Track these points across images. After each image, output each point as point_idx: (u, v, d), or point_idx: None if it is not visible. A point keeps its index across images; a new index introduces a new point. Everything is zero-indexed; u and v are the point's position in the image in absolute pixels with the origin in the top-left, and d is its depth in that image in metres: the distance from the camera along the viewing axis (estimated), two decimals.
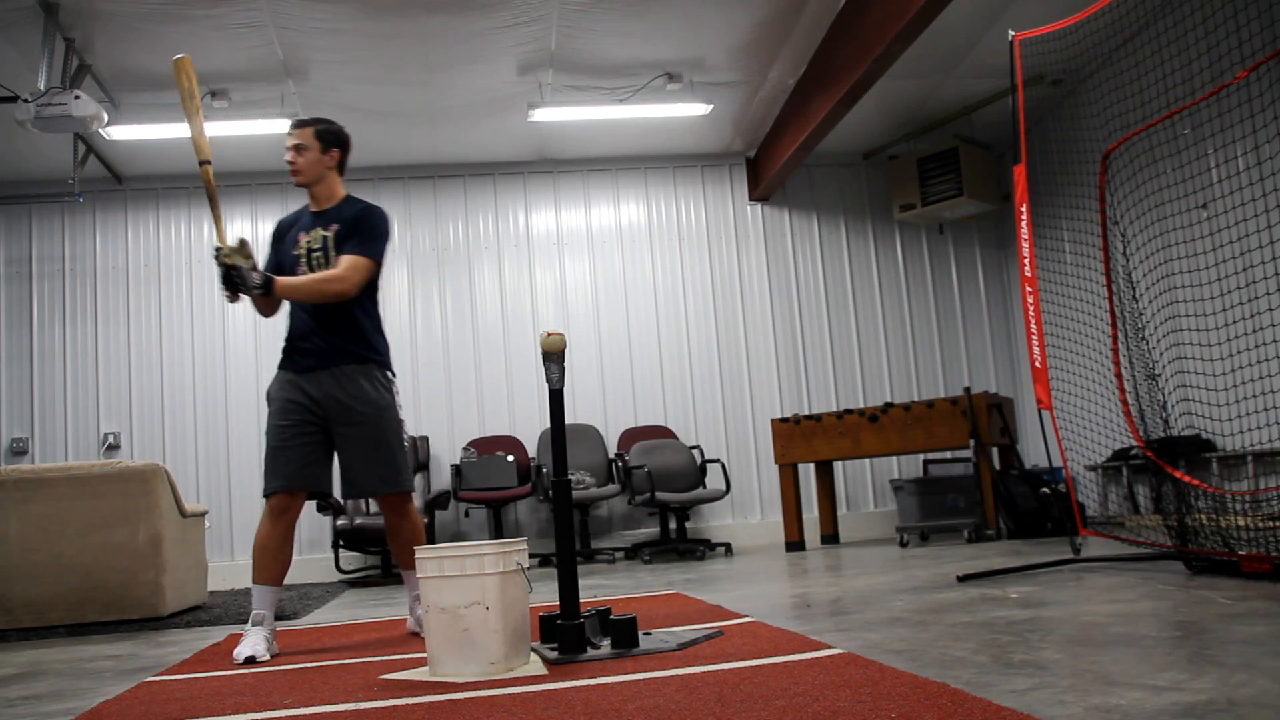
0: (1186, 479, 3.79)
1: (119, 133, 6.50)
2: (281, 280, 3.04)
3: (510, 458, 7.10)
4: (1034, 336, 4.18)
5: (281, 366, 3.24)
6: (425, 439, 7.37)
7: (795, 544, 6.60)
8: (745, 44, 6.27)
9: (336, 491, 3.33)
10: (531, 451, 7.39)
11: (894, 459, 7.84)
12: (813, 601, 3.51)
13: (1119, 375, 4.02)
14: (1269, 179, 4.93)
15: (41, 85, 5.26)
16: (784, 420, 6.82)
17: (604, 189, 8.07)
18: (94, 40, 5.58)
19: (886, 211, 8.18)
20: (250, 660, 2.87)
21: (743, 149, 8.12)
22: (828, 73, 6.28)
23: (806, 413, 7.31)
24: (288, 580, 3.21)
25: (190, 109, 3.08)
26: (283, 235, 3.31)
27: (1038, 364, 4.17)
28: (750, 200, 8.19)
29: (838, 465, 7.49)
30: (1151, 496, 5.39)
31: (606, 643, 2.53)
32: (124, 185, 7.57)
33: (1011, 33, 4.35)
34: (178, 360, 7.44)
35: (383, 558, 6.86)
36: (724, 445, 7.74)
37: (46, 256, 7.47)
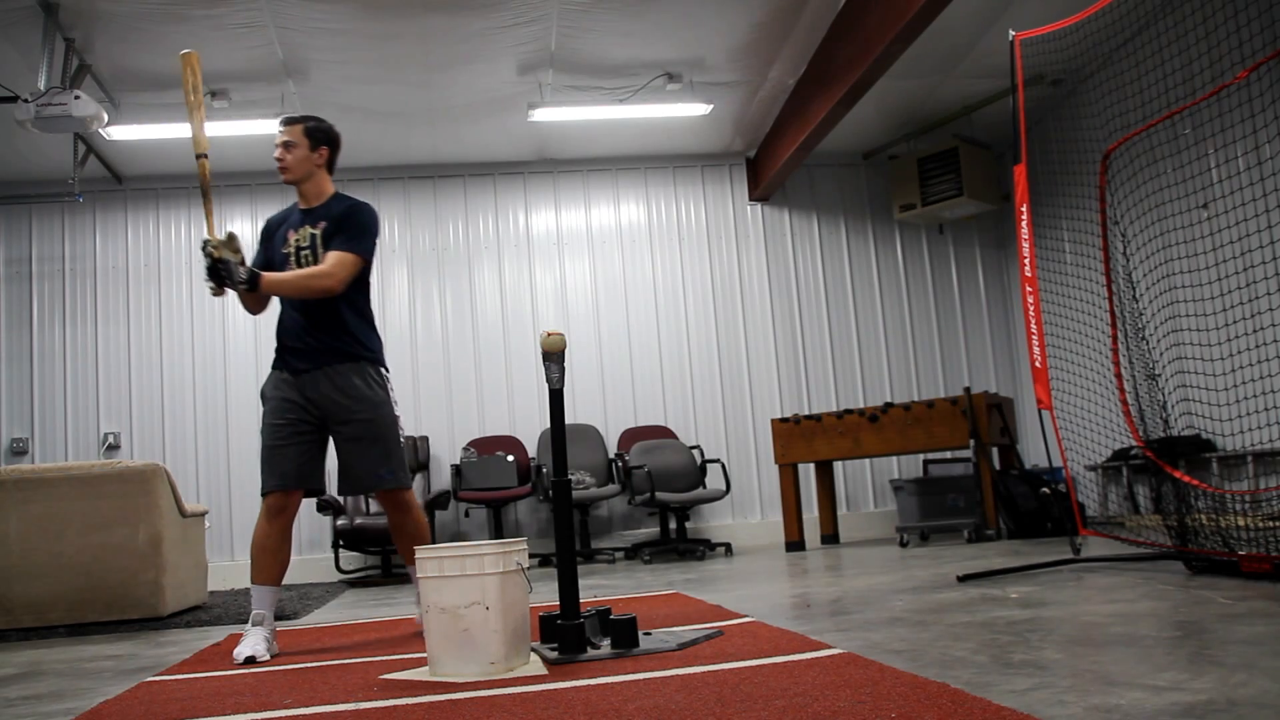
0: (1186, 479, 3.79)
1: (119, 133, 6.51)
2: (267, 276, 3.03)
3: (510, 458, 7.10)
4: (1034, 336, 4.18)
5: (275, 367, 3.24)
6: (425, 439, 7.37)
7: (795, 544, 6.60)
8: (745, 44, 6.27)
9: (331, 489, 3.32)
10: (531, 451, 7.39)
11: (894, 459, 7.84)
12: (813, 601, 3.51)
13: (1119, 375, 4.02)
14: (1269, 179, 4.93)
15: (41, 85, 5.26)
16: (784, 420, 6.82)
17: (604, 189, 8.07)
18: (94, 40, 5.59)
19: (886, 211, 8.18)
20: (250, 660, 2.87)
21: (743, 149, 8.12)
22: (828, 73, 6.28)
23: (806, 413, 7.31)
24: (288, 580, 3.22)
25: (193, 104, 3.09)
26: (272, 233, 3.31)
27: (1038, 364, 4.17)
28: (750, 200, 8.19)
29: (838, 465, 7.49)
30: (1151, 496, 5.38)
31: (606, 643, 2.53)
32: (124, 185, 7.57)
33: (1012, 33, 4.35)
34: (178, 360, 7.44)
35: (383, 558, 6.86)
36: (724, 445, 7.74)
37: (46, 256, 7.47)
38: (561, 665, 2.38)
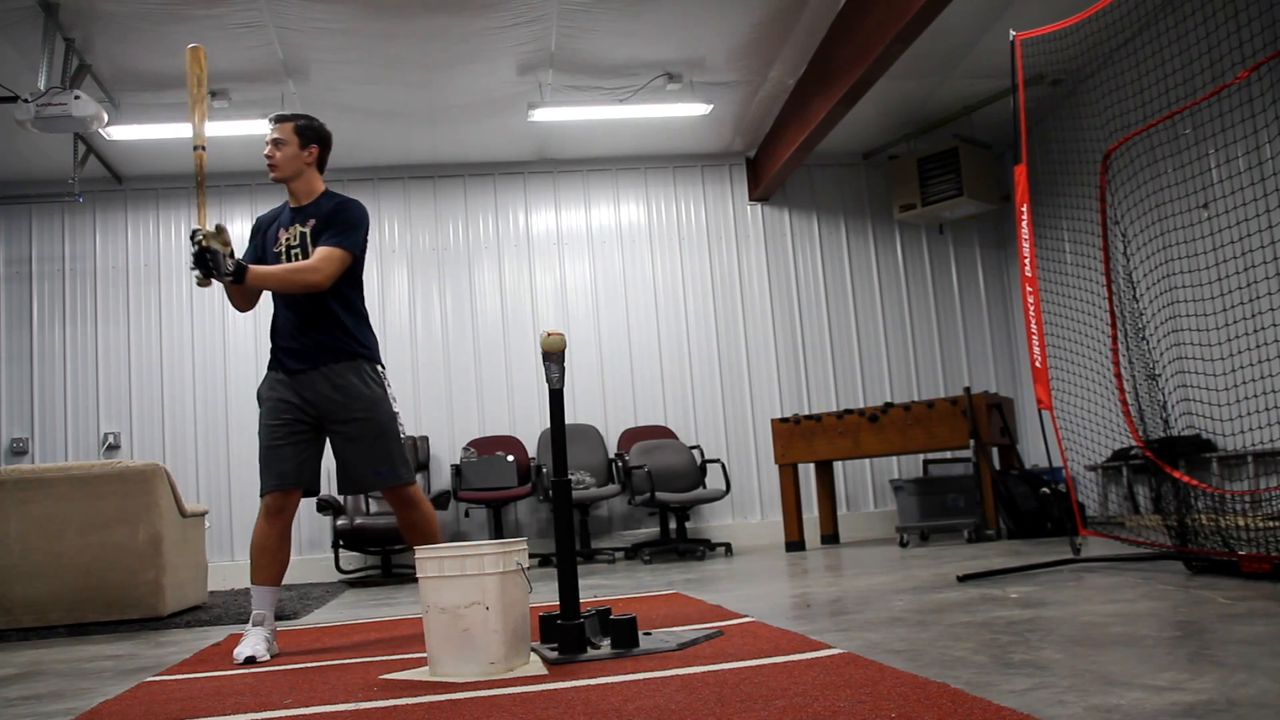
0: (1186, 479, 3.79)
1: (119, 133, 6.51)
2: (254, 268, 3.02)
3: (510, 458, 7.10)
4: (1034, 336, 4.18)
5: (270, 368, 3.23)
6: (425, 439, 7.38)
7: (795, 544, 6.60)
8: (745, 44, 6.27)
9: (329, 489, 3.32)
10: (531, 451, 7.39)
11: (894, 459, 7.84)
12: (813, 601, 3.51)
13: (1119, 375, 4.02)
14: (1269, 179, 4.93)
15: (41, 85, 5.26)
16: (784, 420, 6.82)
17: (604, 189, 8.07)
18: (94, 40, 5.59)
19: (886, 211, 8.18)
20: (250, 660, 2.87)
21: (743, 149, 8.12)
22: (828, 73, 6.28)
23: (806, 413, 7.31)
24: (288, 580, 3.21)
25: (196, 96, 3.09)
26: (263, 231, 3.30)
27: (1038, 364, 4.17)
28: (750, 200, 8.19)
29: (838, 465, 7.49)
30: (1151, 496, 5.38)
31: (606, 643, 2.53)
32: (124, 185, 7.57)
33: (1012, 33, 4.35)
34: (178, 360, 7.44)
35: (383, 558, 6.86)
36: (724, 445, 7.74)
37: (46, 256, 7.47)
38: (561, 665, 2.38)
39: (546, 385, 2.73)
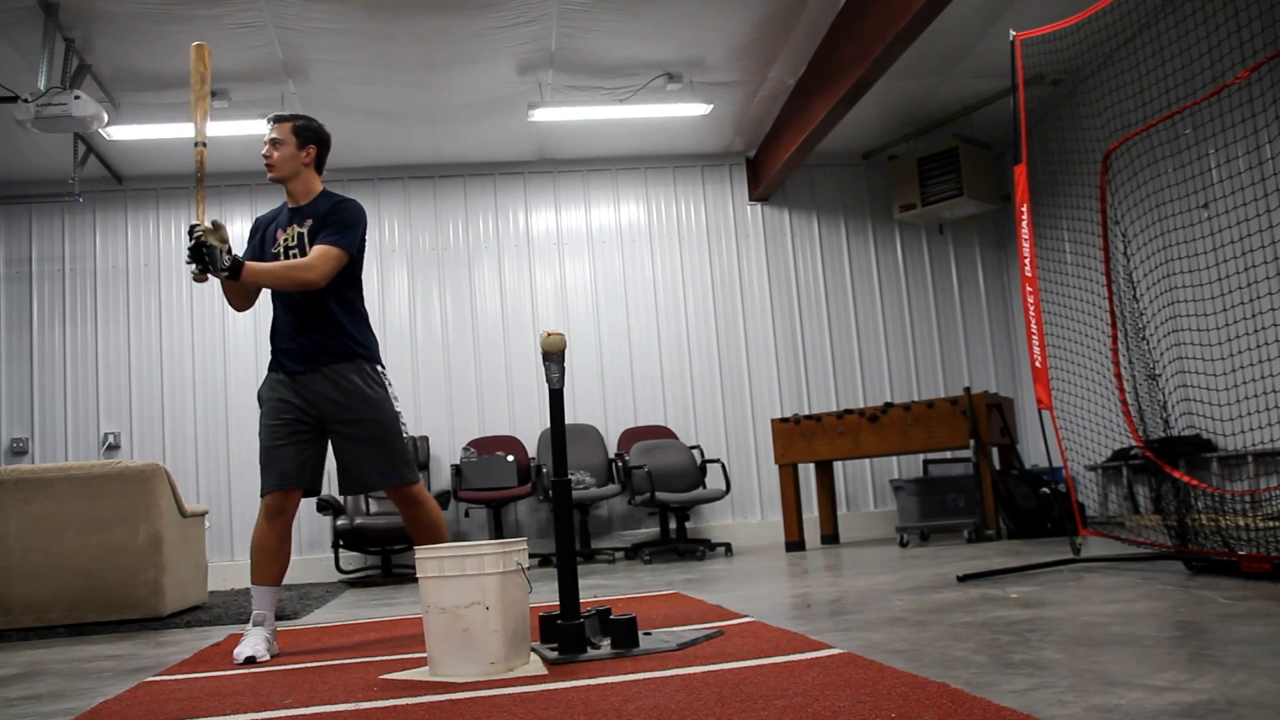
0: (1186, 479, 3.79)
1: (119, 133, 6.51)
2: (250, 265, 3.02)
3: (510, 458, 7.10)
4: (1034, 336, 4.18)
5: (271, 369, 3.23)
6: (425, 439, 7.38)
7: (795, 544, 6.60)
8: (745, 44, 6.27)
9: (330, 489, 3.32)
10: (531, 451, 7.39)
11: (894, 459, 7.84)
12: (813, 601, 3.51)
13: (1119, 375, 4.02)
14: (1270, 179, 4.93)
15: (41, 85, 5.26)
16: (784, 420, 6.82)
17: (604, 189, 8.07)
18: (94, 40, 5.59)
19: (886, 211, 8.18)
20: (250, 660, 2.87)
21: (743, 149, 8.12)
22: (828, 73, 6.28)
23: (806, 413, 7.31)
24: (287, 580, 3.21)
25: (199, 94, 3.09)
26: (261, 231, 3.30)
27: (1038, 364, 4.17)
28: (750, 200, 8.19)
29: (838, 465, 7.49)
30: (1151, 496, 5.38)
31: (606, 643, 2.53)
32: (124, 185, 7.57)
33: (1012, 33, 4.35)
34: (178, 360, 7.44)
35: (383, 558, 6.86)
36: (724, 445, 7.74)
37: (46, 256, 7.47)
38: (561, 665, 2.38)
39: (546, 385, 2.73)
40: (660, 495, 6.57)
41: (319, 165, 3.30)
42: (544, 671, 2.31)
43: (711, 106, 7.00)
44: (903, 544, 6.13)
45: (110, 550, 4.38)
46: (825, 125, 6.58)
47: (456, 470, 7.03)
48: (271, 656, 2.98)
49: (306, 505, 6.06)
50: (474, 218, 7.93)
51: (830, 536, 7.01)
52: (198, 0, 5.24)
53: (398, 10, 5.52)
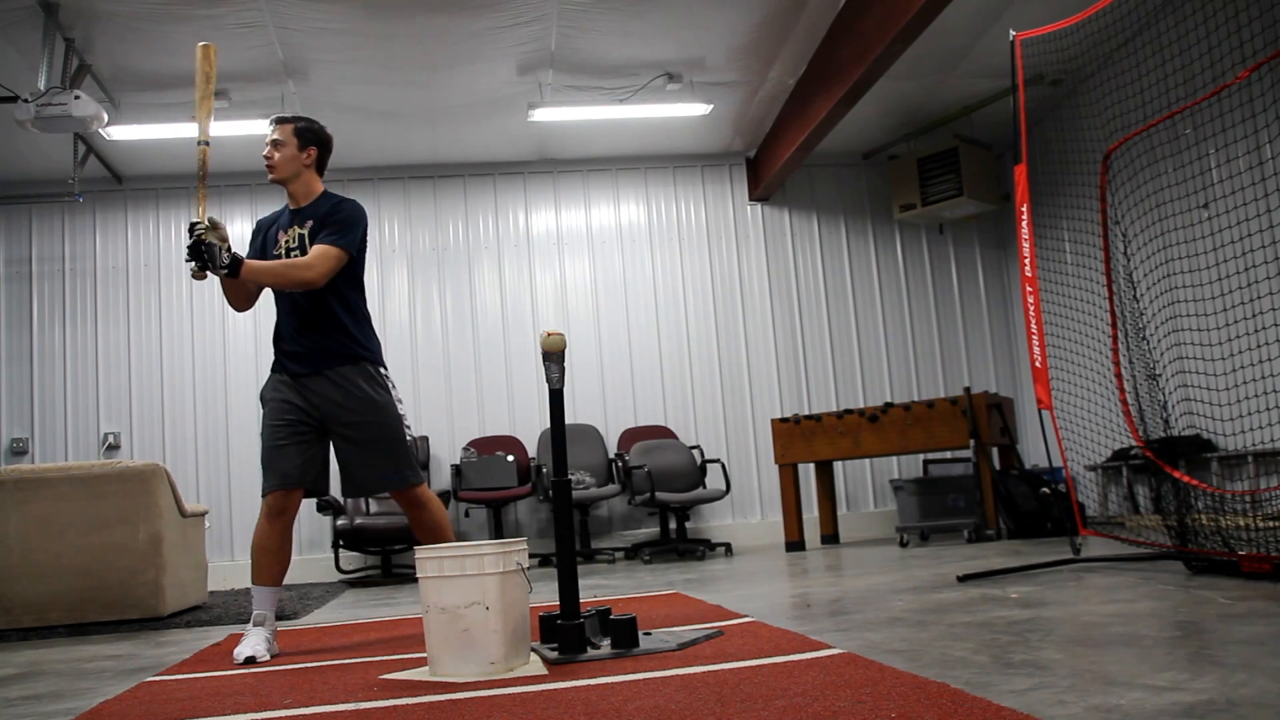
0: (1186, 479, 3.79)
1: (119, 133, 6.51)
2: (249, 263, 3.02)
3: (510, 458, 7.10)
4: (1034, 336, 4.18)
5: (274, 370, 3.24)
6: (425, 439, 7.37)
7: (795, 544, 6.60)
8: (745, 44, 6.27)
9: (332, 490, 3.32)
10: (531, 451, 7.39)
11: (894, 459, 7.84)
12: (813, 601, 3.51)
13: (1119, 375, 4.01)
14: (1270, 179, 4.93)
15: (41, 85, 5.26)
16: (784, 420, 6.82)
17: (604, 189, 8.07)
18: (94, 40, 5.59)
19: (886, 211, 8.18)
20: (250, 660, 2.87)
21: (743, 149, 8.12)
22: (828, 73, 6.28)
23: (806, 413, 7.31)
24: (287, 580, 3.21)
25: (204, 94, 3.10)
26: (263, 233, 3.31)
27: (1038, 364, 4.17)
28: (750, 200, 8.19)
29: (838, 465, 7.49)
30: (1151, 496, 5.38)
31: (606, 643, 2.53)
32: (124, 185, 7.57)
33: (1012, 33, 4.35)
34: (178, 360, 7.44)
35: (383, 558, 6.86)
36: (724, 445, 7.74)
37: (46, 256, 7.48)
38: (561, 665, 2.38)
39: (546, 385, 2.73)
40: (660, 495, 6.57)
41: (320, 167, 3.30)
42: (544, 671, 2.31)
43: (711, 106, 7.00)
44: (903, 544, 6.13)
45: (110, 550, 4.38)
46: (825, 125, 6.58)
47: (456, 470, 7.03)
48: (271, 656, 2.98)
49: (306, 505, 6.07)
50: (474, 218, 7.93)
51: (830, 536, 7.01)
52: (198, 0, 5.24)
53: (398, 10, 5.52)
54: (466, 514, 7.28)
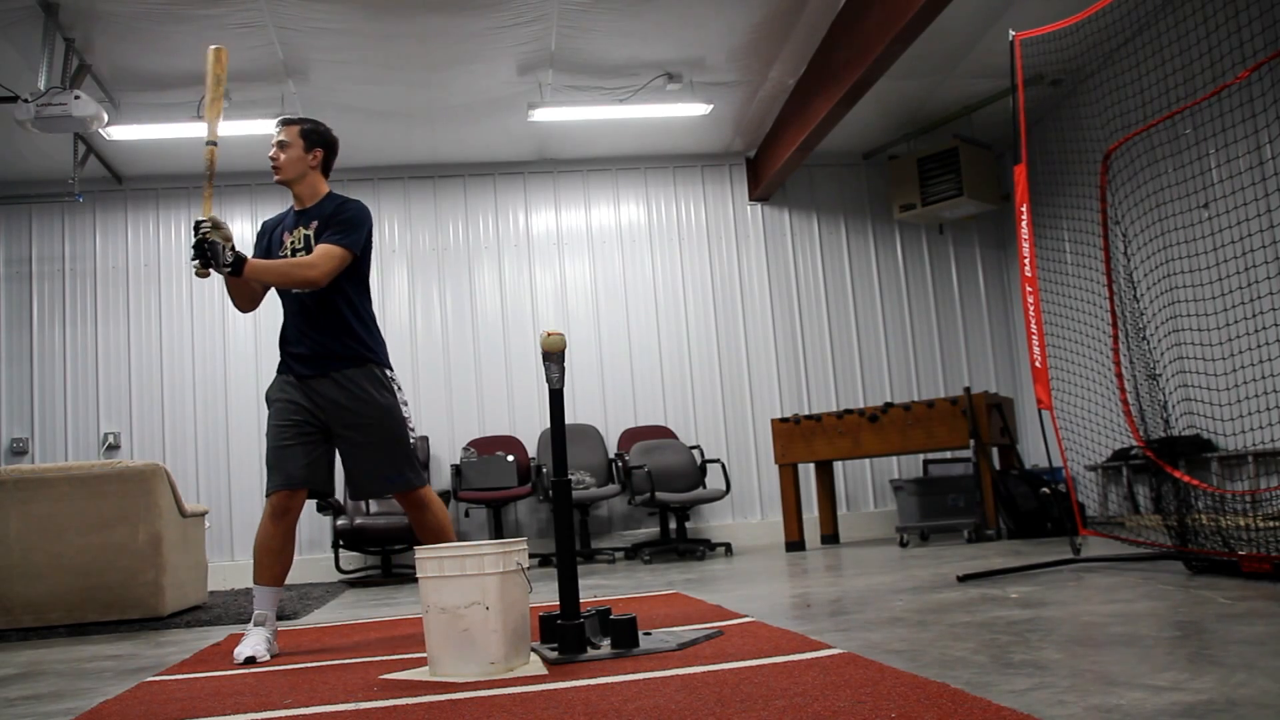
0: (1186, 479, 3.79)
1: (119, 133, 6.50)
2: (252, 261, 3.03)
3: (510, 458, 7.10)
4: (1034, 336, 4.18)
5: (280, 371, 3.24)
6: (425, 439, 7.37)
7: (795, 544, 6.60)
8: (745, 44, 6.27)
9: (339, 491, 3.33)
10: (531, 451, 7.39)
11: (894, 459, 7.84)
12: (813, 601, 3.51)
13: (1119, 375, 4.02)
14: (1270, 179, 4.93)
15: (41, 85, 5.26)
16: (784, 420, 6.82)
17: (604, 189, 8.07)
18: (94, 40, 5.58)
19: (886, 211, 8.18)
20: (250, 660, 2.87)
21: (743, 149, 8.12)
22: (828, 73, 6.28)
23: (806, 413, 7.31)
24: (288, 580, 3.21)
25: (214, 95, 3.13)
26: (268, 234, 3.31)
27: (1038, 364, 4.17)
28: (750, 200, 8.19)
29: (838, 465, 7.49)
30: (1151, 496, 5.38)
31: (606, 643, 2.53)
32: (124, 185, 7.57)
33: (1011, 33, 4.35)
34: (178, 360, 7.44)
35: (383, 558, 6.86)
36: (724, 445, 7.74)
37: (46, 256, 7.47)
38: (561, 665, 2.38)
39: (546, 385, 2.74)
40: (660, 495, 6.57)
41: (325, 168, 3.31)
42: (544, 671, 2.31)
43: (711, 106, 7.00)
44: (903, 544, 6.13)
45: (110, 550, 4.38)
46: (825, 125, 6.58)
47: (456, 470, 7.03)
48: (271, 656, 2.98)
49: (307, 505, 6.07)
50: (474, 218, 7.93)
51: (830, 536, 7.01)
52: (198, 0, 5.24)
53: (398, 10, 5.52)
54: (466, 514, 7.28)
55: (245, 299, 3.21)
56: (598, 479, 7.21)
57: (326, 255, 3.09)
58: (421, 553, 2.44)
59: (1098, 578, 3.54)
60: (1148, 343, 3.97)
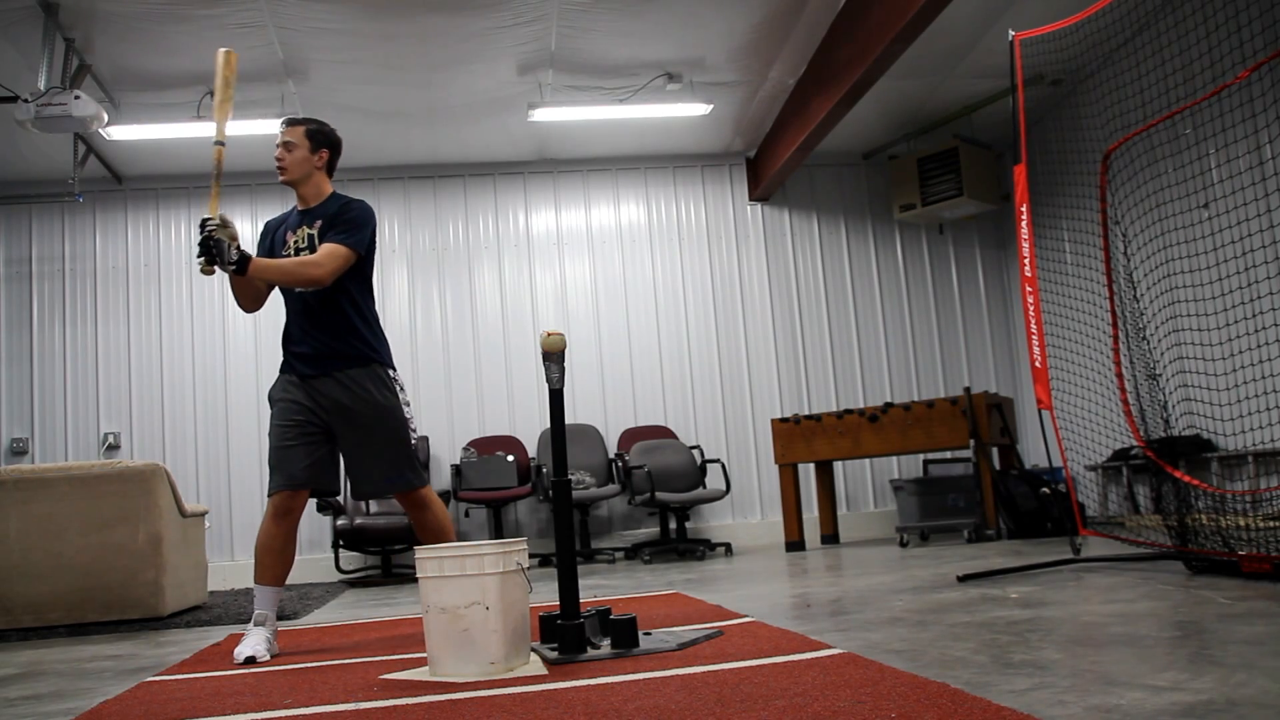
0: (1186, 479, 3.79)
1: (119, 133, 6.50)
2: (257, 260, 3.04)
3: (510, 458, 7.10)
4: (1034, 336, 4.18)
5: (283, 371, 3.24)
6: (425, 439, 7.38)
7: (795, 544, 6.60)
8: (745, 44, 6.27)
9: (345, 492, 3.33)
10: (531, 451, 7.39)
11: (894, 459, 7.84)
12: (813, 601, 3.51)
13: (1119, 375, 4.02)
14: (1270, 179, 4.93)
15: (41, 85, 5.26)
16: (784, 420, 6.82)
17: (604, 189, 8.07)
18: (94, 40, 5.58)
19: (886, 211, 8.18)
20: (250, 660, 2.87)
21: (743, 149, 8.12)
22: (828, 73, 6.28)
23: (806, 413, 7.31)
24: (288, 580, 3.21)
25: (224, 97, 3.14)
26: (271, 233, 3.32)
27: (1038, 364, 4.17)
28: (750, 200, 8.19)
29: (838, 465, 7.49)
30: (1151, 496, 5.38)
31: (606, 643, 2.53)
32: (124, 185, 7.57)
33: (1011, 33, 4.35)
34: (178, 360, 7.44)
35: (383, 558, 6.86)
36: (724, 445, 7.74)
37: (46, 256, 7.47)
38: (561, 665, 2.38)
39: (546, 385, 2.74)
40: (660, 495, 6.57)
41: (330, 169, 3.32)
42: (544, 671, 2.31)
43: (711, 106, 7.00)
44: (903, 544, 6.13)
45: (110, 550, 4.38)
46: (825, 125, 6.58)
47: (456, 470, 7.03)
48: (271, 656, 2.98)
49: (307, 505, 6.08)
50: (474, 218, 7.93)
51: (830, 536, 7.01)
52: (198, 0, 5.24)
53: (398, 10, 5.52)
54: (466, 514, 7.28)
55: (250, 298, 3.21)
56: (598, 479, 7.21)
57: (331, 254, 3.09)
58: (421, 553, 2.44)
59: (1098, 578, 3.54)
60: (1148, 343, 3.97)
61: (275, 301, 3.37)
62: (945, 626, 2.60)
